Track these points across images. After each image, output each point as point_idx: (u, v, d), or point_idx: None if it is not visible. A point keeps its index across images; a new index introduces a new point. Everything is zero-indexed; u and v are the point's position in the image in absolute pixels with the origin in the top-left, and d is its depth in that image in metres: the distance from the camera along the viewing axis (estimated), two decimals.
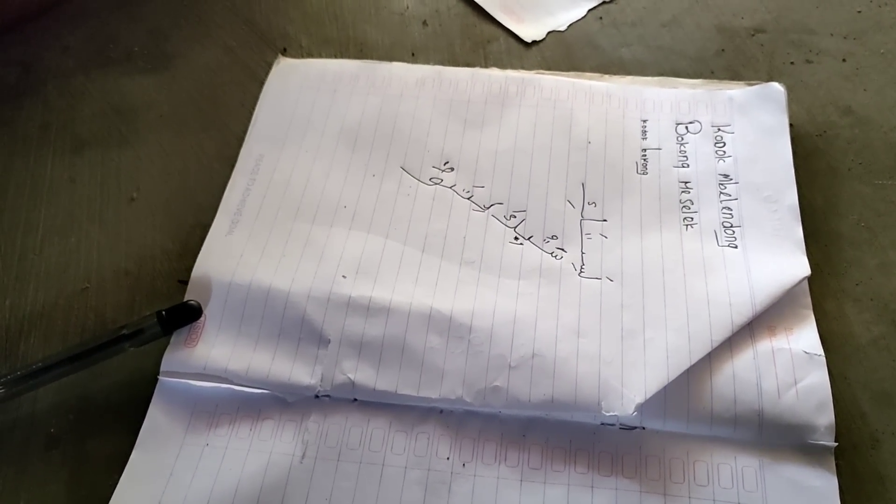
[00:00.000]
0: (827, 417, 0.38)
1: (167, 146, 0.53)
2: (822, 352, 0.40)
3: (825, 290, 0.44)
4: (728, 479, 0.38)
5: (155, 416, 0.40)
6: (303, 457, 0.39)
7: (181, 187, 0.51)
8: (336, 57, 0.57)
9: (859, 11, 0.57)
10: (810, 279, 0.43)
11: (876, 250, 0.46)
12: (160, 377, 0.41)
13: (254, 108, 0.53)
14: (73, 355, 0.41)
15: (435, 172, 0.49)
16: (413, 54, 0.57)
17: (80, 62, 0.58)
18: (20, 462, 0.41)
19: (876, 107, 0.52)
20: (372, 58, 0.57)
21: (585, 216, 0.47)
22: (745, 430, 0.39)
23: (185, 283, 0.45)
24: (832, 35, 0.56)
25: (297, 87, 0.54)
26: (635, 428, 0.39)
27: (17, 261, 0.48)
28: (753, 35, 0.57)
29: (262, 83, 0.55)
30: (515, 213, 0.47)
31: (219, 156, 0.52)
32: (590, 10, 0.59)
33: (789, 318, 0.42)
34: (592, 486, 0.38)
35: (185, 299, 0.44)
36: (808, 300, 0.43)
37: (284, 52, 0.58)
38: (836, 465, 0.38)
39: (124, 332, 0.42)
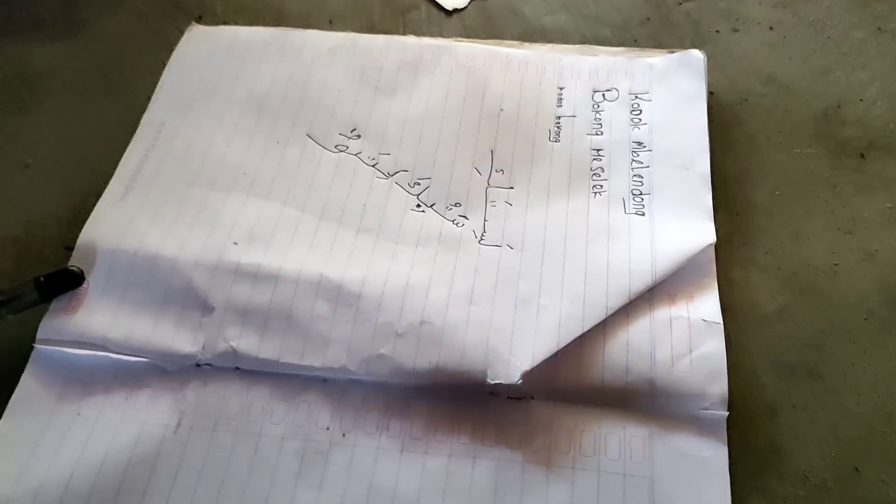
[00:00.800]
0: (720, 386, 0.37)
1: (69, 113, 0.51)
2: (720, 320, 0.39)
3: (733, 259, 0.43)
4: (616, 450, 0.36)
5: (27, 384, 0.39)
6: (177, 427, 0.37)
7: (79, 155, 0.49)
8: (252, 25, 0.55)
9: None
10: (718, 248, 0.42)
11: (788, 219, 0.45)
12: (35, 345, 0.40)
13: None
14: None
15: (341, 140, 0.48)
16: (330, 22, 0.56)
17: None
18: None
19: (800, 75, 0.51)
20: (288, 26, 0.55)
21: (492, 183, 0.45)
22: (636, 399, 0.37)
23: (71, 249, 0.43)
24: (761, 3, 0.55)
25: (207, 54, 0.52)
26: (523, 398, 0.38)
27: None
28: (681, 4, 0.56)
29: (173, 51, 0.53)
30: (420, 181, 0.46)
31: (121, 123, 0.50)
32: None
33: (692, 286, 0.40)
34: (474, 457, 0.36)
35: (68, 265, 0.42)
36: (713, 268, 0.41)
37: (199, 20, 0.56)
38: (730, 435, 0.37)
39: (0, 298, 0.40)
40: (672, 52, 0.51)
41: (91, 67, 0.54)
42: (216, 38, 0.53)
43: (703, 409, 0.37)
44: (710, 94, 0.49)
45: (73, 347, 0.40)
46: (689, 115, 0.47)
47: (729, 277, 0.42)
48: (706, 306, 0.39)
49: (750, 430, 0.38)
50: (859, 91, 0.50)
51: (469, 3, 0.56)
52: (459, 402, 0.38)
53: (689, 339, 0.38)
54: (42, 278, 0.40)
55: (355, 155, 0.47)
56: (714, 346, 0.38)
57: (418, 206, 0.44)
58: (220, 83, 0.50)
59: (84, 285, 0.41)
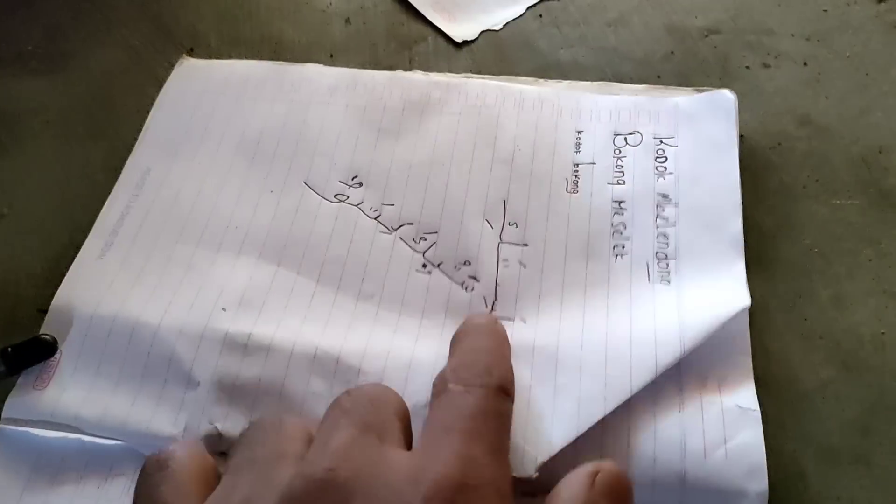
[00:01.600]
0: (759, 483, 0.33)
1: (49, 156, 0.48)
2: (757, 406, 0.35)
3: (769, 327, 0.39)
4: None
5: None
6: None
7: (59, 203, 0.46)
8: (247, 58, 0.52)
9: (825, 10, 0.52)
10: (753, 314, 0.38)
11: (829, 280, 0.41)
12: (0, 425, 0.36)
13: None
14: None
15: (341, 188, 0.44)
16: (332, 55, 0.52)
17: None
18: None
19: (837, 116, 0.47)
20: (286, 59, 0.52)
21: (504, 239, 0.41)
22: (665, 494, 0.33)
23: (45, 312, 0.39)
24: (793, 36, 0.51)
25: (198, 91, 0.49)
26: (538, 495, 0.34)
27: None
28: (707, 36, 0.52)
29: (163, 86, 0.50)
30: (426, 235, 0.42)
31: (105, 167, 0.47)
32: (529, 8, 0.54)
33: (724, 365, 0.37)
34: None
35: (41, 332, 0.38)
36: (748, 344, 0.37)
37: (191, 52, 0.52)
38: None
39: None
40: (699, 91, 0.47)
41: (76, 105, 0.50)
42: (208, 74, 0.50)
43: None
44: (741, 136, 0.45)
45: (43, 428, 0.36)
46: (720, 164, 0.43)
47: (765, 348, 0.38)
48: (741, 390, 0.36)
49: None
50: None
51: (479, 35, 0.52)
52: None
53: (723, 428, 0.34)
54: (10, 349, 0.37)
55: (356, 206, 0.43)
56: (751, 437, 0.34)
57: (424, 265, 0.41)
58: (212, 124, 0.47)
59: (56, 356, 0.38)
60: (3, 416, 0.37)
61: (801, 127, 0.47)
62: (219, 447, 0.36)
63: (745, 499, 0.33)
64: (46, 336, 0.38)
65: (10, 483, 0.35)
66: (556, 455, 0.34)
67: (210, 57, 0.52)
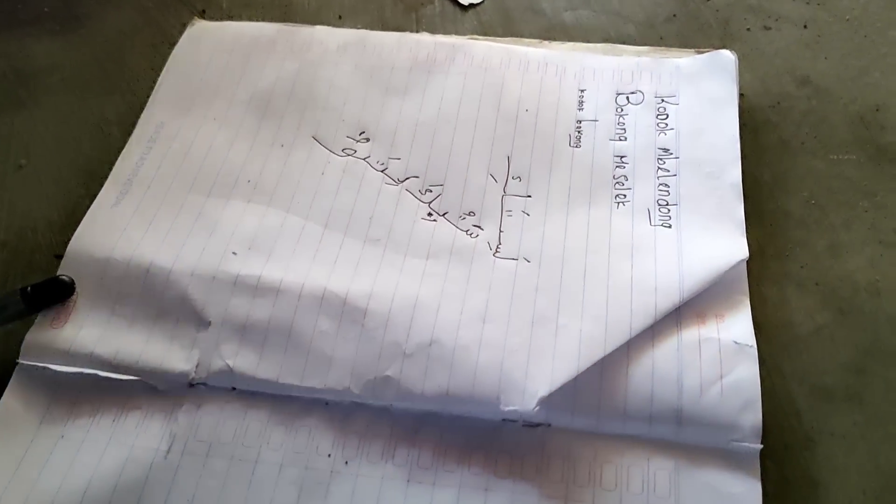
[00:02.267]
0: (753, 417, 0.34)
1: (65, 111, 0.49)
2: (753, 342, 0.36)
3: (766, 274, 0.40)
4: (638, 484, 0.33)
5: (8, 403, 0.36)
6: (168, 451, 0.35)
7: (75, 155, 0.47)
8: (258, 20, 0.53)
9: None
10: (750, 261, 0.39)
11: (825, 230, 0.42)
12: (19, 360, 0.37)
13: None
14: None
15: (349, 143, 0.45)
16: (340, 17, 0.53)
17: None
18: None
19: (836, 77, 0.48)
20: (296, 21, 0.53)
21: (508, 191, 0.42)
22: (662, 429, 0.34)
23: (61, 257, 0.41)
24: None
25: (209, 51, 0.50)
26: (540, 425, 0.35)
27: None
28: (709, 0, 0.52)
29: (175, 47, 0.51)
30: (432, 188, 0.43)
31: (119, 122, 0.48)
32: None
33: (722, 304, 0.37)
34: (486, 489, 0.34)
35: (57, 274, 0.39)
36: (745, 285, 0.38)
37: (203, 14, 0.53)
38: (764, 467, 0.34)
39: None
40: (700, 52, 0.48)
41: (90, 63, 0.51)
42: (220, 35, 0.51)
43: (734, 442, 0.34)
44: (741, 95, 0.46)
45: (59, 364, 0.37)
46: (719, 120, 0.44)
47: (762, 294, 0.39)
48: (738, 327, 0.36)
49: (785, 462, 0.35)
50: None
51: None
52: (470, 428, 0.35)
53: (719, 364, 0.35)
54: (29, 288, 0.38)
55: (363, 159, 0.44)
56: (747, 372, 0.35)
57: (430, 214, 0.42)
58: (223, 82, 0.48)
59: (73, 296, 0.39)
60: (21, 352, 0.38)
61: (800, 87, 0.48)
62: (230, 383, 0.37)
63: (739, 431, 0.34)
64: (64, 277, 0.39)
65: (28, 416, 0.36)
66: (556, 390, 0.35)
67: (221, 19, 0.53)
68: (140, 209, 0.42)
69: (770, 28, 0.51)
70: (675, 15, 0.52)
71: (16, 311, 0.38)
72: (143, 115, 0.47)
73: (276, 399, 0.36)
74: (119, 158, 0.45)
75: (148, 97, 0.48)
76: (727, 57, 0.46)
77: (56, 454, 0.35)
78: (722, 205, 0.41)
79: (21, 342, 0.38)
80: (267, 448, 0.35)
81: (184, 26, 0.52)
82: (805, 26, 0.50)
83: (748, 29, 0.51)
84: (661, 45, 0.50)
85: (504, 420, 0.35)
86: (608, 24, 0.52)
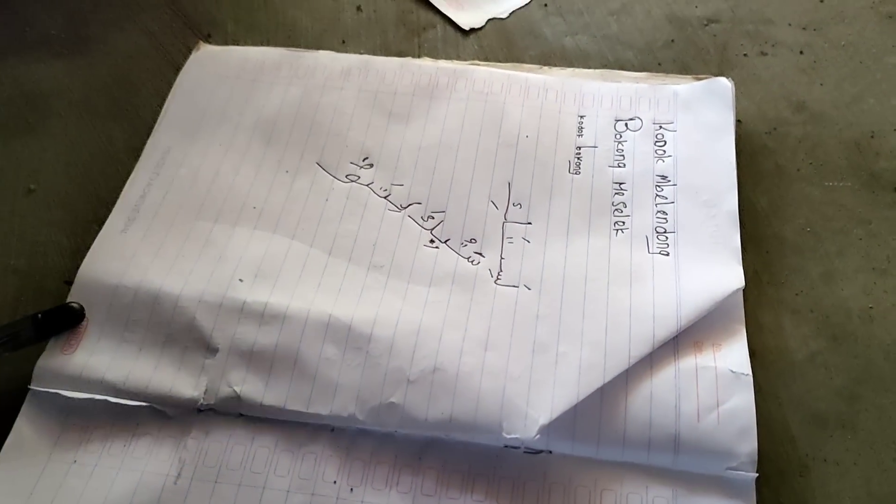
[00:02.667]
0: (749, 445, 0.35)
1: (74, 136, 0.50)
2: (749, 371, 0.37)
3: (762, 300, 0.41)
4: None
5: (21, 429, 0.37)
6: (177, 477, 0.36)
7: (84, 180, 0.48)
8: (263, 44, 0.54)
9: (821, 1, 0.54)
10: (746, 287, 0.40)
11: (820, 258, 0.42)
12: (31, 386, 0.38)
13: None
14: None
15: (353, 169, 0.46)
16: (343, 42, 0.54)
17: None
18: None
19: (832, 102, 0.49)
20: (300, 45, 0.53)
21: (509, 218, 0.43)
22: (660, 456, 0.35)
23: (71, 283, 0.41)
24: (790, 25, 0.53)
25: (215, 76, 0.50)
26: (541, 452, 0.36)
27: None
28: (707, 25, 0.53)
29: (181, 71, 0.51)
30: (434, 214, 0.44)
31: (126, 147, 0.49)
32: None
33: (719, 332, 0.38)
34: None
35: (67, 301, 0.40)
36: (741, 313, 0.39)
37: (208, 39, 0.54)
38: (760, 494, 0.35)
39: None
40: (698, 79, 0.49)
41: (98, 87, 0.52)
42: (225, 59, 0.52)
43: (730, 469, 0.34)
44: (738, 121, 0.47)
45: (70, 390, 0.38)
46: (716, 148, 0.45)
47: (758, 320, 0.40)
48: (734, 356, 0.37)
49: (780, 488, 0.36)
50: (894, 120, 0.47)
51: (487, 23, 0.54)
52: (473, 454, 0.36)
53: (716, 393, 0.36)
54: (40, 315, 0.39)
55: (367, 185, 0.45)
56: (743, 401, 0.36)
57: (432, 241, 0.43)
58: (229, 107, 0.49)
59: (83, 323, 0.40)
60: (33, 378, 0.38)
61: (796, 112, 0.49)
62: (237, 409, 0.37)
63: (736, 459, 0.35)
64: (74, 304, 0.40)
65: (41, 441, 0.37)
66: (557, 418, 0.36)
67: (227, 43, 0.54)
68: (148, 235, 0.43)
69: (767, 54, 0.51)
70: (672, 40, 0.53)
71: (27, 338, 0.39)
72: (149, 141, 0.48)
73: (283, 425, 0.37)
74: (126, 184, 0.45)
75: (154, 121, 0.49)
76: (724, 84, 0.47)
77: (69, 480, 0.36)
78: (718, 233, 0.41)
79: (32, 368, 0.39)
80: (274, 475, 0.36)
81: (189, 50, 0.53)
82: (801, 52, 0.51)
83: (745, 55, 0.52)
84: (659, 71, 0.51)
85: (506, 447, 0.36)
86: (607, 50, 0.52)
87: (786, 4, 0.54)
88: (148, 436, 0.37)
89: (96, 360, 0.39)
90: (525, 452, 0.36)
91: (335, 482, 0.36)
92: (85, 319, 0.40)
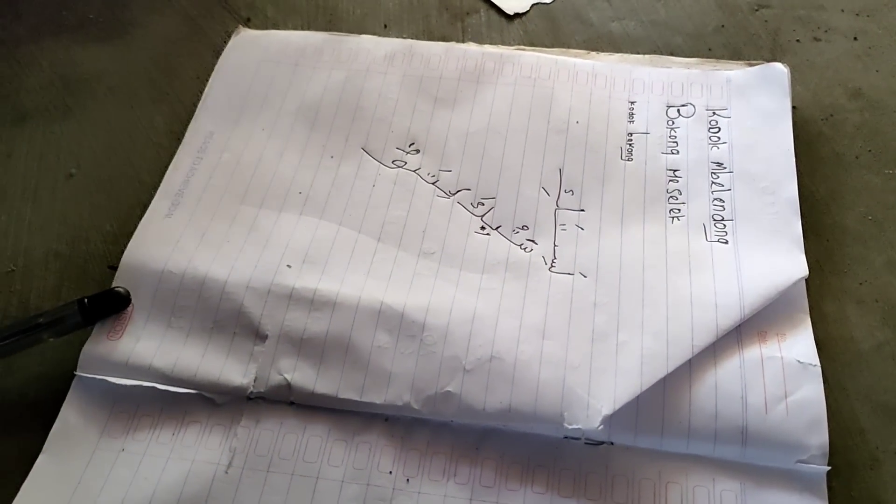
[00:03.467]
0: (820, 437, 0.34)
1: (114, 120, 0.49)
2: (817, 361, 0.35)
3: (825, 290, 0.40)
4: None
5: (67, 416, 0.36)
6: (228, 466, 0.35)
7: (125, 164, 0.47)
8: (303, 28, 0.53)
9: None
10: (809, 278, 0.39)
11: (883, 246, 0.41)
12: (77, 373, 0.37)
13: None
14: None
15: (399, 154, 0.45)
16: (385, 26, 0.53)
17: (31, 29, 0.54)
18: None
19: (888, 89, 0.47)
20: (341, 30, 0.52)
21: (561, 205, 0.42)
22: (727, 448, 0.34)
23: (115, 268, 0.40)
24: (843, 11, 0.52)
25: (256, 60, 0.50)
26: (602, 443, 0.35)
27: None
28: (757, 10, 0.52)
29: (221, 55, 0.51)
30: (484, 201, 0.43)
31: (168, 131, 0.48)
32: None
33: (783, 322, 0.37)
34: None
35: (112, 286, 0.39)
36: (805, 302, 0.38)
37: (248, 23, 0.53)
38: (831, 487, 0.34)
39: (41, 320, 0.38)
40: (751, 65, 0.47)
41: (137, 71, 0.51)
42: (266, 43, 0.51)
43: (800, 462, 0.33)
44: (793, 108, 0.45)
45: (117, 376, 0.37)
46: (773, 134, 0.43)
47: (821, 310, 0.39)
48: (801, 346, 0.36)
49: (851, 482, 0.35)
50: None
51: (531, 8, 0.53)
52: (531, 445, 0.35)
53: (783, 383, 0.35)
54: (86, 300, 0.38)
55: (414, 171, 0.44)
56: (812, 392, 0.35)
57: (483, 228, 0.41)
58: (271, 91, 0.48)
59: (129, 308, 0.39)
60: (79, 364, 0.38)
61: (852, 99, 0.47)
62: (288, 397, 0.37)
63: (807, 452, 0.33)
64: (120, 289, 0.39)
65: (88, 429, 0.36)
66: (619, 408, 0.34)
67: (266, 27, 0.53)
68: (193, 220, 0.42)
69: (820, 40, 0.50)
70: (723, 26, 0.51)
71: (73, 323, 0.38)
72: (191, 125, 0.47)
73: (336, 414, 0.36)
74: (169, 169, 0.45)
75: (194, 105, 0.48)
76: (780, 70, 0.46)
77: (117, 468, 0.35)
78: (778, 220, 0.40)
79: (76, 354, 0.38)
80: (327, 464, 0.35)
81: (228, 34, 0.52)
82: (855, 38, 0.50)
83: (798, 40, 0.50)
84: (709, 57, 0.50)
85: (566, 437, 0.35)
86: (655, 35, 0.51)
87: None
88: (196, 424, 0.36)
89: (143, 347, 0.38)
90: (586, 444, 0.35)
91: (391, 472, 0.35)
92: (130, 305, 0.39)
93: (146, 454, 0.35)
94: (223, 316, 0.38)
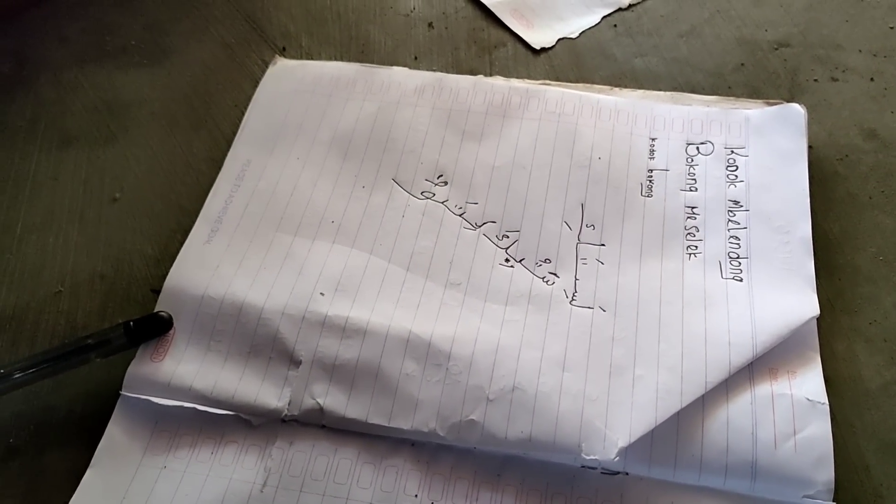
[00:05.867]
0: (826, 473, 0.35)
1: (155, 145, 0.51)
2: (825, 399, 0.37)
3: (836, 329, 0.41)
4: None
5: (113, 433, 0.39)
6: (263, 485, 0.37)
7: (166, 189, 0.49)
8: (336, 58, 0.55)
9: (892, 27, 0.54)
10: (820, 316, 0.40)
11: (893, 286, 0.43)
12: (122, 392, 0.39)
13: (246, 110, 0.51)
14: (36, 364, 0.39)
15: (427, 186, 0.47)
16: (416, 58, 0.55)
17: (75, 54, 0.57)
18: None
19: None
20: (373, 60, 0.55)
21: (582, 239, 0.44)
22: (737, 482, 0.36)
23: (157, 292, 0.43)
24: (860, 52, 0.53)
25: (292, 90, 0.52)
26: (618, 473, 0.36)
27: None
28: (777, 49, 0.54)
29: (257, 83, 0.53)
30: (508, 233, 0.44)
31: (207, 158, 0.50)
32: (604, 18, 0.56)
33: (793, 359, 0.39)
34: None
35: (156, 310, 0.42)
36: (816, 341, 0.40)
37: (283, 52, 0.56)
38: None
39: (89, 341, 0.40)
40: (770, 104, 0.49)
41: (178, 98, 0.54)
42: (301, 74, 0.53)
43: (806, 497, 0.35)
44: (809, 147, 0.47)
45: (160, 397, 0.39)
46: (789, 174, 0.45)
47: (831, 348, 0.41)
48: (810, 384, 0.38)
49: None
50: None
51: (557, 42, 0.55)
52: (551, 473, 0.37)
53: (792, 420, 0.36)
54: (131, 323, 0.40)
55: (442, 203, 0.46)
56: (820, 429, 0.36)
57: (507, 260, 0.43)
58: (306, 121, 0.50)
59: (171, 331, 0.41)
60: (124, 384, 0.40)
61: (867, 140, 0.49)
62: (320, 420, 0.39)
63: (813, 487, 0.35)
64: (163, 313, 0.41)
65: (132, 446, 0.39)
66: (635, 441, 0.36)
67: (301, 56, 0.55)
68: (231, 247, 0.44)
69: (837, 80, 0.52)
70: (742, 64, 0.53)
71: (119, 345, 0.40)
72: (230, 153, 0.49)
73: (365, 438, 0.38)
74: (209, 195, 0.47)
75: (232, 133, 0.51)
76: (797, 111, 0.47)
77: (160, 484, 0.37)
78: (792, 259, 0.42)
79: (120, 374, 0.40)
80: (357, 486, 0.37)
81: (265, 63, 0.54)
82: (872, 79, 0.52)
83: (815, 80, 0.52)
84: (729, 95, 0.51)
85: (583, 466, 0.37)
86: (677, 72, 0.53)
87: (856, 30, 0.54)
88: (234, 444, 0.38)
89: (184, 369, 0.40)
90: (602, 473, 0.37)
91: (416, 496, 0.37)
92: (173, 328, 0.41)
93: (186, 472, 0.38)
94: (260, 341, 0.41)
